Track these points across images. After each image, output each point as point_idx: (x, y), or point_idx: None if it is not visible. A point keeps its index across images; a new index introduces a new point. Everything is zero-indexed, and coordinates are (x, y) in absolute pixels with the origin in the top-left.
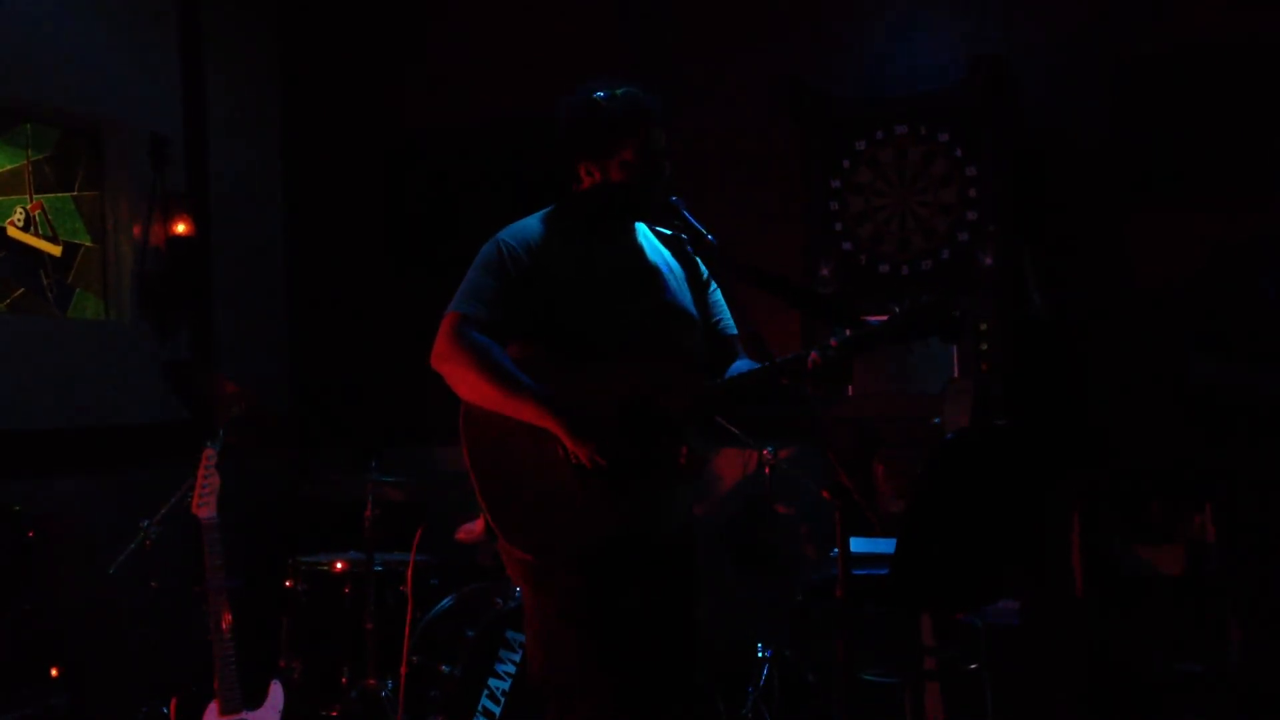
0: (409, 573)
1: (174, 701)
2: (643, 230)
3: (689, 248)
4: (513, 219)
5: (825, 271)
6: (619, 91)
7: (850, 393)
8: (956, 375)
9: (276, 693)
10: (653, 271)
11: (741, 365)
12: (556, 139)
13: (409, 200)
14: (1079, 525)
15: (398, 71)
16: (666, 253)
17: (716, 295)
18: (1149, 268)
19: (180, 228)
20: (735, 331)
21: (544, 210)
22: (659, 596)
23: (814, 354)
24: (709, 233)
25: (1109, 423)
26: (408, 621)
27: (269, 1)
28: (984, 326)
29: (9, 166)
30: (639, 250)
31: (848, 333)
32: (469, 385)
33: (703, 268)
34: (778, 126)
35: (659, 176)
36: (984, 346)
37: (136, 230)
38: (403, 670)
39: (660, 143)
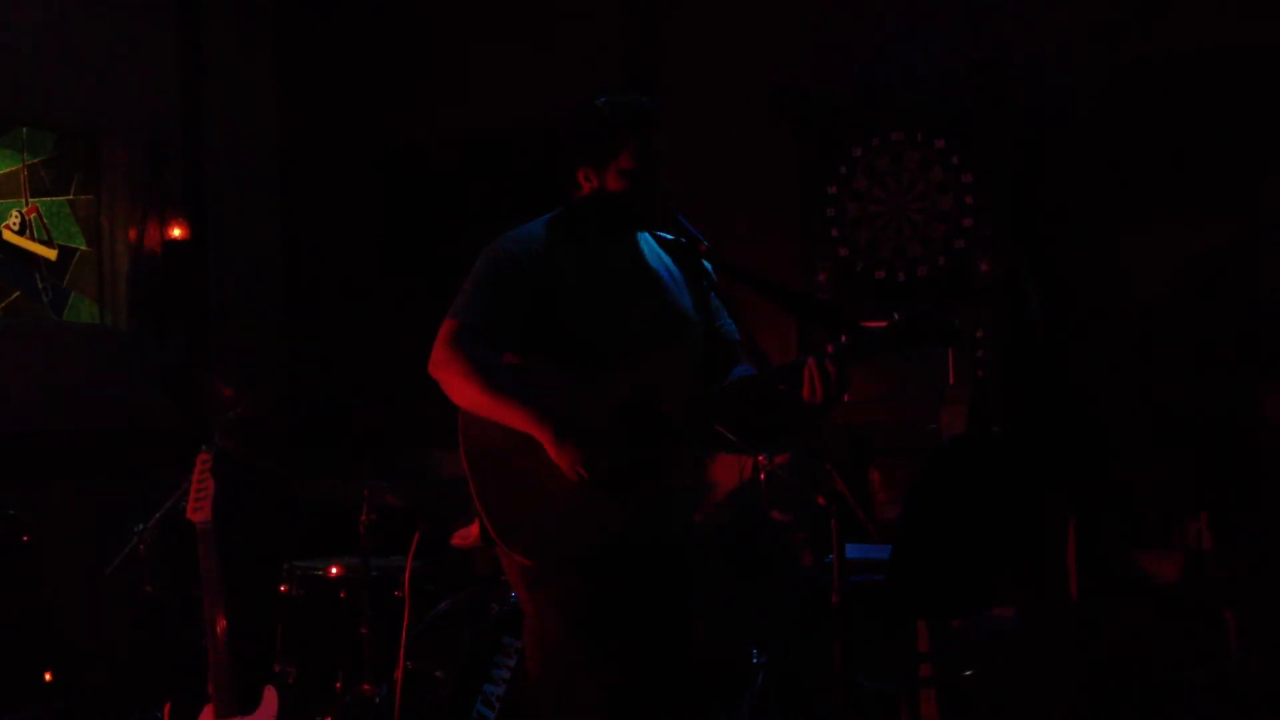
0: (406, 575)
1: (168, 706)
2: (643, 235)
3: (689, 252)
4: (509, 225)
5: (821, 277)
6: (620, 97)
7: (846, 398)
8: (953, 381)
9: (271, 698)
10: (653, 276)
11: (741, 371)
12: (557, 144)
13: (406, 205)
14: (1075, 532)
15: (395, 78)
16: (667, 258)
17: (717, 300)
18: (1147, 275)
19: (176, 232)
20: (737, 337)
21: (544, 216)
22: (657, 602)
23: (811, 361)
24: (704, 238)
25: (1106, 429)
26: (404, 625)
27: (267, 7)
28: (980, 333)
29: (5, 170)
30: (639, 255)
31: (844, 339)
32: (462, 393)
33: (704, 273)
34: (774, 133)
35: (657, 184)
36: (980, 353)
37: (132, 234)
38: (401, 669)
39: (660, 149)
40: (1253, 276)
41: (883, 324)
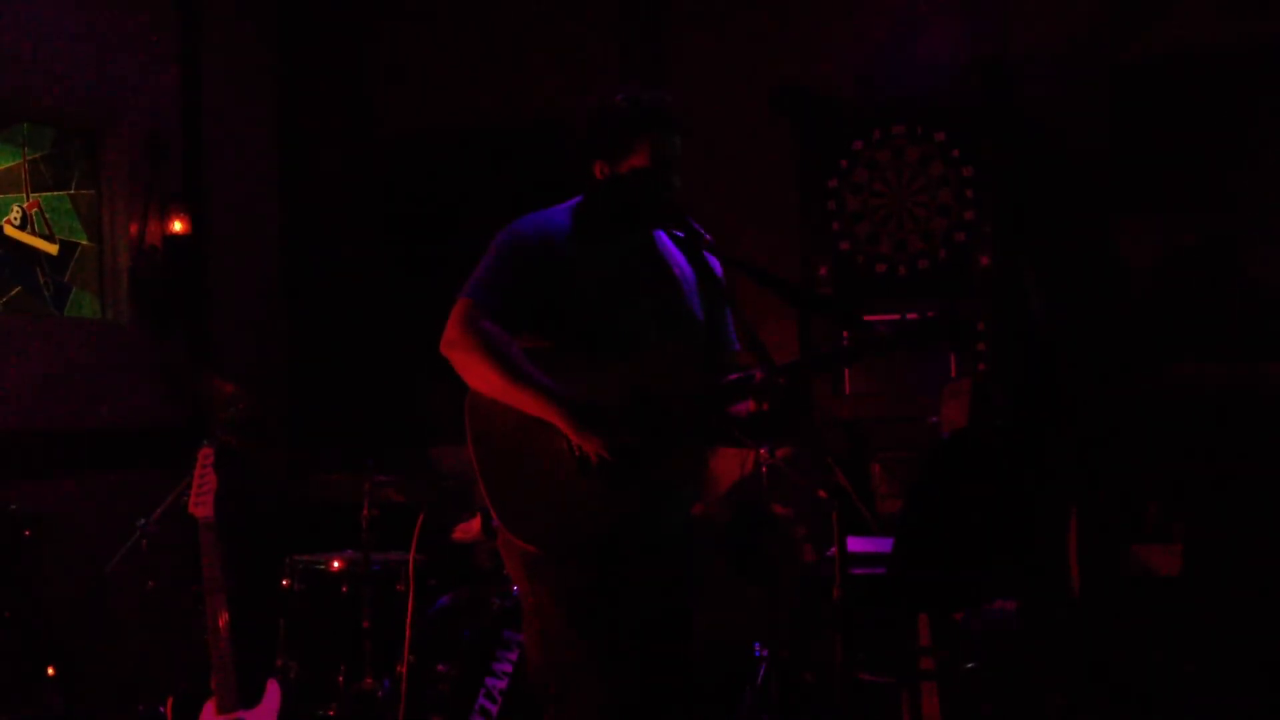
0: (410, 564)
1: (170, 701)
2: (659, 233)
3: (700, 251)
4: (510, 219)
5: (822, 271)
6: (640, 94)
7: (848, 391)
8: (954, 376)
9: (273, 692)
10: (664, 272)
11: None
12: (575, 135)
13: (406, 200)
14: (1076, 525)
15: (395, 72)
16: (681, 257)
17: (726, 304)
18: (1144, 270)
19: (177, 226)
20: (738, 346)
21: (562, 204)
22: (659, 594)
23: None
24: (708, 235)
25: (1104, 425)
26: (409, 615)
27: (267, 3)
28: (981, 327)
29: (6, 165)
30: (652, 249)
31: (845, 336)
32: (477, 374)
33: (713, 273)
34: (775, 127)
35: (669, 183)
36: (981, 347)
37: (133, 229)
38: (406, 663)
39: (675, 150)
40: (1245, 268)
41: (893, 319)
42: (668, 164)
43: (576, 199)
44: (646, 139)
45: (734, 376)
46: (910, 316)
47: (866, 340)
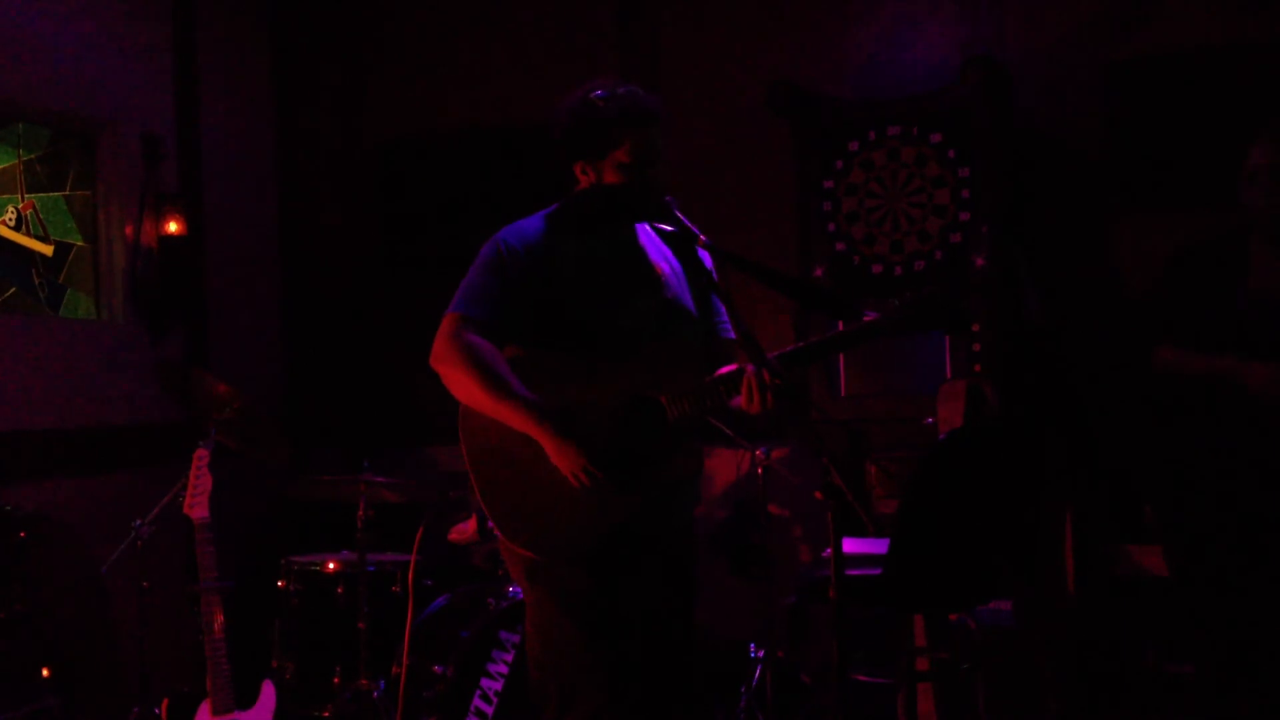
0: (410, 570)
1: (166, 702)
2: (644, 229)
3: (688, 246)
4: (505, 221)
5: (818, 272)
6: (617, 91)
7: (844, 392)
8: (949, 376)
9: (269, 693)
10: (653, 269)
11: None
12: (554, 138)
13: (403, 200)
14: (1071, 525)
15: (392, 72)
16: (669, 251)
17: (716, 297)
18: (1139, 270)
19: (173, 227)
20: (733, 335)
21: (544, 210)
22: (659, 595)
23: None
24: (700, 233)
25: (1101, 423)
26: (408, 620)
27: (263, 1)
28: (977, 327)
29: (1, 165)
30: (640, 249)
31: (840, 325)
32: (463, 389)
33: (703, 268)
34: (771, 127)
35: (651, 175)
36: (977, 347)
37: (129, 229)
38: (405, 667)
39: (656, 143)
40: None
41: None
42: (650, 159)
43: (558, 204)
44: (629, 134)
45: (728, 369)
46: (903, 300)
47: (861, 326)
